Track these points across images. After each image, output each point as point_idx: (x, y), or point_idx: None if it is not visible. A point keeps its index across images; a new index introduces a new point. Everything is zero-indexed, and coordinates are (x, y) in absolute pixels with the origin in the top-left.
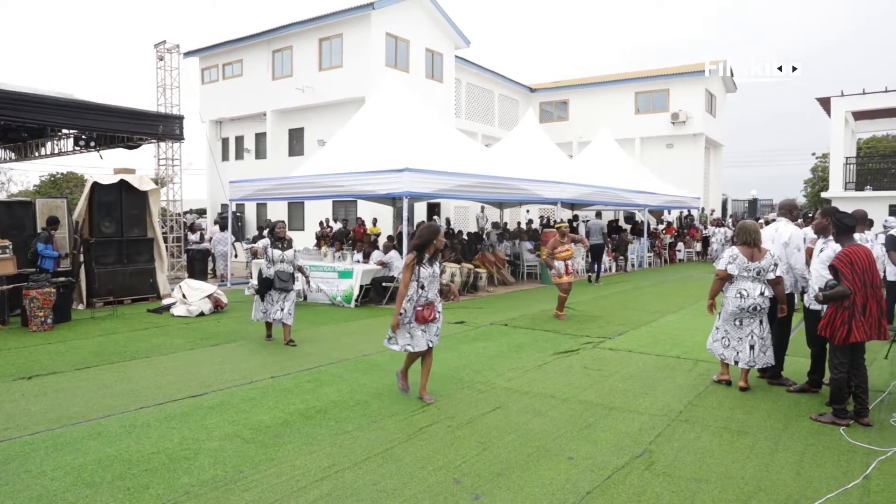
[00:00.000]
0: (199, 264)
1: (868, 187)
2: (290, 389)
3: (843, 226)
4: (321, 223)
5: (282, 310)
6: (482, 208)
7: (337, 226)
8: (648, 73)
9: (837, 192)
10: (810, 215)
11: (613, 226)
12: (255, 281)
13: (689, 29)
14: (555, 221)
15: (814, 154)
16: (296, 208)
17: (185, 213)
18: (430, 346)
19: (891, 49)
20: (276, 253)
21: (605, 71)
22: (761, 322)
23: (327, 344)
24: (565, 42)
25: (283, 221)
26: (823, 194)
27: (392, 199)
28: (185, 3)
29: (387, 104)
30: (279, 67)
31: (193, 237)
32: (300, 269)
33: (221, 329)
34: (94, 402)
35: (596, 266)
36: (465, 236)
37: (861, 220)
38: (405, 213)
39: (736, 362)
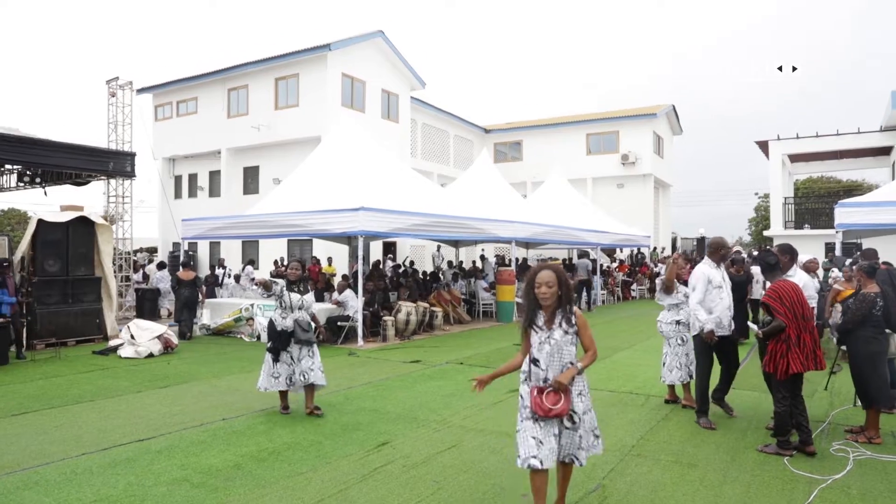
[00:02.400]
0: (149, 304)
1: (806, 225)
2: (243, 431)
3: (766, 264)
4: (276, 262)
5: (311, 369)
6: (438, 247)
7: None
8: (599, 116)
9: (778, 231)
10: (743, 256)
11: (566, 264)
12: (258, 330)
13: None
14: (547, 259)
15: (756, 194)
16: (250, 247)
17: (136, 251)
18: (567, 460)
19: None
20: (296, 298)
21: (558, 113)
22: (681, 343)
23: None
24: (519, 84)
25: (298, 260)
26: (765, 232)
27: (348, 238)
28: (139, 41)
29: (343, 143)
30: (235, 106)
31: (136, 276)
32: (313, 319)
33: (171, 370)
34: (31, 449)
35: (587, 297)
36: (420, 275)
37: (786, 253)
38: (360, 252)
39: (681, 379)
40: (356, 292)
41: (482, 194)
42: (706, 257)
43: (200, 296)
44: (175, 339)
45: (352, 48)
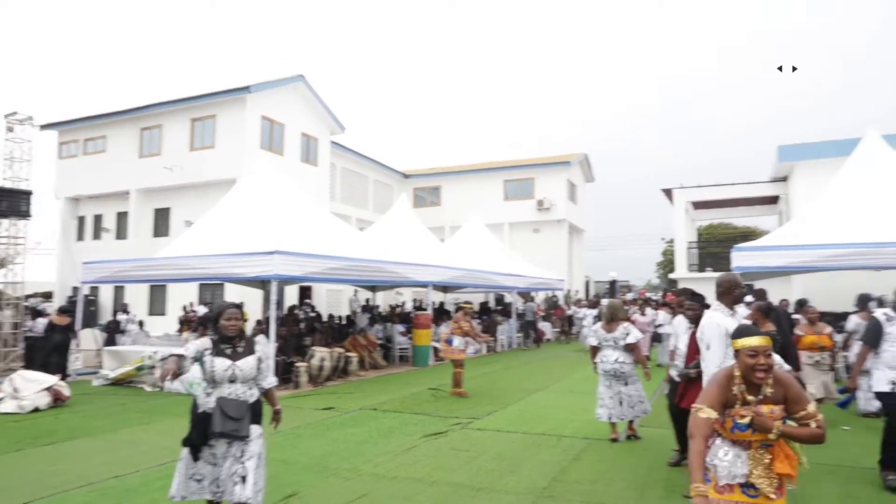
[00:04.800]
0: (39, 354)
1: (709, 269)
2: (136, 489)
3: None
4: (185, 307)
5: (239, 480)
6: (355, 291)
7: (203, 310)
8: (516, 163)
9: (683, 274)
10: (653, 299)
11: (484, 307)
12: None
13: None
14: (464, 303)
15: (663, 239)
16: (158, 291)
17: (28, 296)
18: None
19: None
20: (221, 365)
21: (477, 159)
22: (626, 383)
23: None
24: (439, 130)
25: (236, 306)
26: (671, 275)
27: (262, 283)
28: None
29: (259, 186)
30: (147, 145)
31: (31, 323)
32: (268, 395)
33: (60, 425)
34: None
35: (534, 335)
36: (336, 320)
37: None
38: (273, 297)
39: (609, 417)
40: (268, 337)
41: (400, 238)
42: (716, 301)
43: (75, 343)
44: (67, 392)
45: (272, 91)
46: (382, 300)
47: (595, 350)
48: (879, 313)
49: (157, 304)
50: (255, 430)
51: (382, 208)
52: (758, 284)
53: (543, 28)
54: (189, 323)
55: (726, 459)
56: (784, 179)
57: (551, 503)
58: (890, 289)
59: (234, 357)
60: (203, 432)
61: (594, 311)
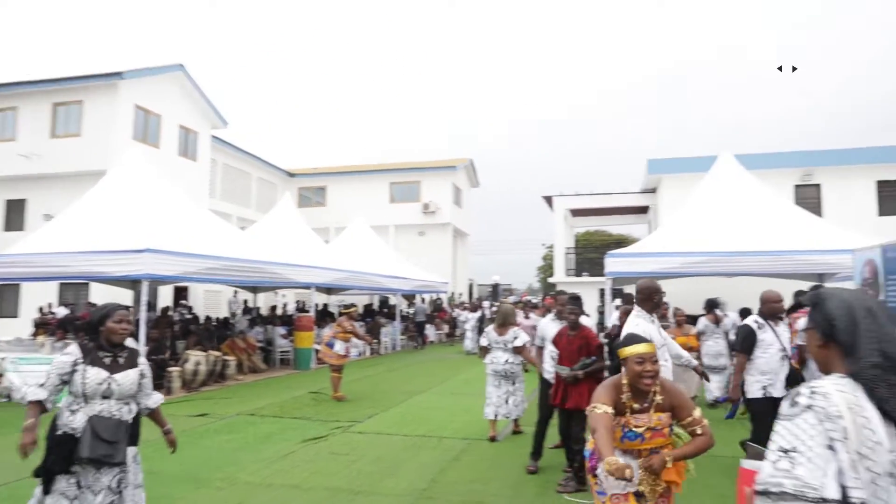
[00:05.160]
0: None
1: (585, 273)
2: None
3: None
4: (41, 309)
5: None
6: (235, 293)
7: (63, 311)
8: (402, 166)
9: (561, 278)
10: (533, 302)
11: (368, 309)
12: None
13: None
14: (348, 305)
15: (543, 244)
16: (8, 291)
17: None
18: None
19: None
20: (96, 377)
21: (364, 160)
22: (514, 383)
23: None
24: (327, 130)
25: (125, 308)
26: (550, 279)
27: (132, 283)
28: None
29: (130, 180)
30: (0, 129)
31: None
32: (154, 415)
33: None
34: None
35: (420, 338)
36: (214, 322)
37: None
38: (144, 298)
39: (496, 415)
40: (137, 340)
41: (283, 238)
42: (636, 307)
43: None
44: None
45: (148, 79)
46: (264, 302)
47: (485, 351)
48: (751, 320)
49: (7, 306)
50: (130, 452)
51: (266, 207)
52: (628, 289)
53: (440, 34)
54: (46, 326)
55: None
56: (653, 191)
57: None
58: (742, 293)
59: (113, 368)
60: (65, 458)
61: (476, 315)
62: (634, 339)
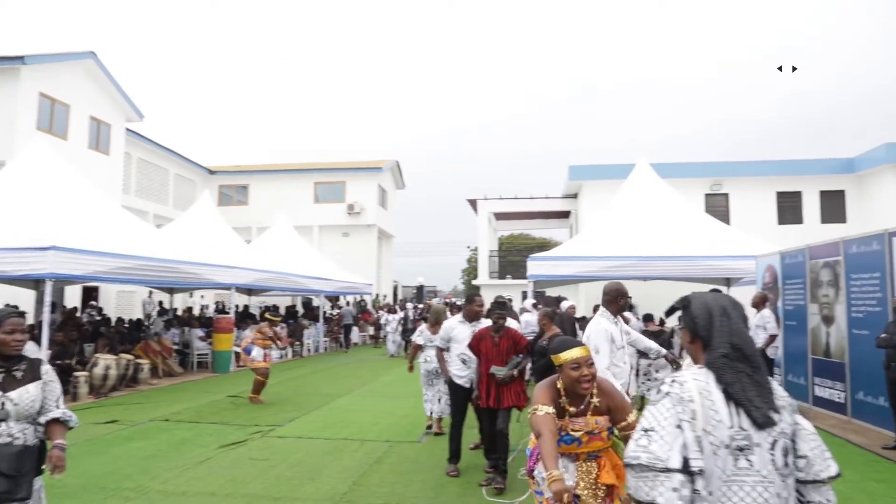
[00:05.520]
0: None
1: (508, 276)
2: None
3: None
4: None
5: None
6: (150, 293)
7: None
8: (327, 166)
9: (485, 280)
10: (457, 304)
11: (290, 311)
12: None
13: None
14: (270, 307)
15: (468, 247)
16: None
17: None
18: None
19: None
20: None
21: (288, 159)
22: (445, 382)
23: None
24: (248, 127)
25: (19, 315)
26: (474, 282)
27: (35, 282)
28: None
29: (33, 171)
30: None
31: None
32: (49, 428)
33: None
34: None
35: (346, 339)
36: (126, 324)
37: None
38: (48, 299)
39: (431, 412)
40: (39, 344)
41: (202, 237)
42: (602, 308)
43: None
44: None
45: (55, 66)
46: (181, 303)
47: (419, 349)
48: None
49: None
50: (36, 484)
51: (184, 205)
52: (549, 291)
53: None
54: None
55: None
56: (574, 196)
57: None
58: (656, 295)
59: (7, 385)
60: None
61: (398, 316)
62: (567, 344)
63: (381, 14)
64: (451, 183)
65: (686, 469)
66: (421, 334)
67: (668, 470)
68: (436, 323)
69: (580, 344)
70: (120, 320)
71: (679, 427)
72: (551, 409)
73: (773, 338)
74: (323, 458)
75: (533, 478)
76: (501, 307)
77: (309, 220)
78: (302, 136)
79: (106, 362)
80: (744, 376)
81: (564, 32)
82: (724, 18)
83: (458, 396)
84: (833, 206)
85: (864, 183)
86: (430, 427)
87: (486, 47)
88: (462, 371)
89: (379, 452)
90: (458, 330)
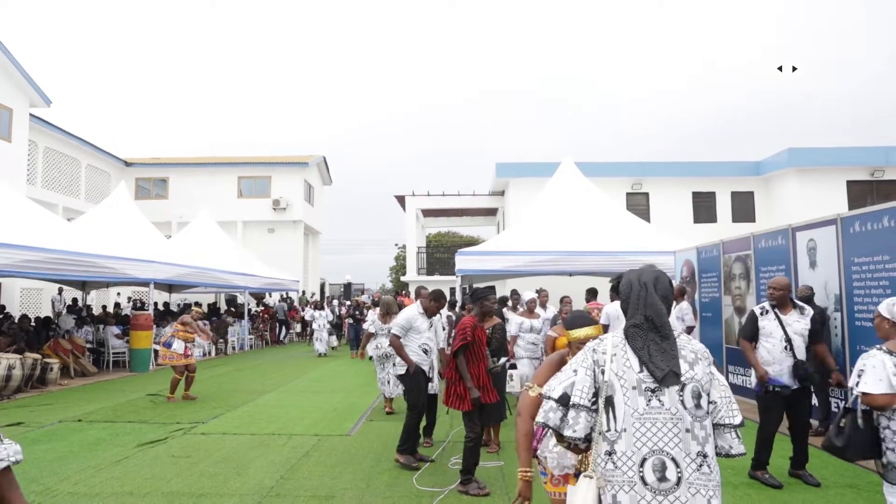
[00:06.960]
0: None
1: (437, 273)
2: None
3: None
4: None
5: None
6: (60, 290)
7: None
8: (252, 160)
9: (413, 277)
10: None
11: (213, 307)
12: None
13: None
14: (192, 304)
15: (396, 244)
16: None
17: None
18: None
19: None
20: None
21: (210, 152)
22: (394, 364)
23: None
24: (169, 119)
25: None
26: (402, 278)
27: None
28: None
29: None
30: None
31: None
32: None
33: None
34: None
35: (284, 333)
36: (33, 322)
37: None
38: None
39: (385, 393)
40: None
41: (118, 231)
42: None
43: None
44: None
45: None
46: (96, 300)
47: (370, 337)
48: (757, 307)
49: None
50: None
51: (98, 198)
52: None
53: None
54: None
55: (555, 451)
56: (501, 193)
57: (278, 501)
58: (580, 291)
59: None
60: None
61: (324, 313)
62: (580, 320)
63: (305, 5)
64: (379, 180)
65: (562, 401)
66: (373, 324)
67: (549, 398)
68: (387, 314)
69: (593, 322)
70: (25, 317)
71: (575, 372)
72: (544, 391)
73: (690, 329)
74: (249, 454)
75: (537, 457)
76: (491, 291)
77: (233, 216)
78: (227, 129)
79: (8, 362)
80: (652, 344)
81: (493, 27)
82: (658, 30)
83: (422, 384)
84: (743, 205)
85: (769, 184)
86: (389, 412)
87: (419, 40)
88: (424, 361)
89: (307, 446)
90: (420, 321)
